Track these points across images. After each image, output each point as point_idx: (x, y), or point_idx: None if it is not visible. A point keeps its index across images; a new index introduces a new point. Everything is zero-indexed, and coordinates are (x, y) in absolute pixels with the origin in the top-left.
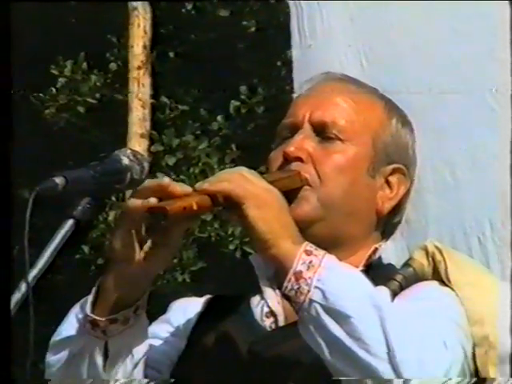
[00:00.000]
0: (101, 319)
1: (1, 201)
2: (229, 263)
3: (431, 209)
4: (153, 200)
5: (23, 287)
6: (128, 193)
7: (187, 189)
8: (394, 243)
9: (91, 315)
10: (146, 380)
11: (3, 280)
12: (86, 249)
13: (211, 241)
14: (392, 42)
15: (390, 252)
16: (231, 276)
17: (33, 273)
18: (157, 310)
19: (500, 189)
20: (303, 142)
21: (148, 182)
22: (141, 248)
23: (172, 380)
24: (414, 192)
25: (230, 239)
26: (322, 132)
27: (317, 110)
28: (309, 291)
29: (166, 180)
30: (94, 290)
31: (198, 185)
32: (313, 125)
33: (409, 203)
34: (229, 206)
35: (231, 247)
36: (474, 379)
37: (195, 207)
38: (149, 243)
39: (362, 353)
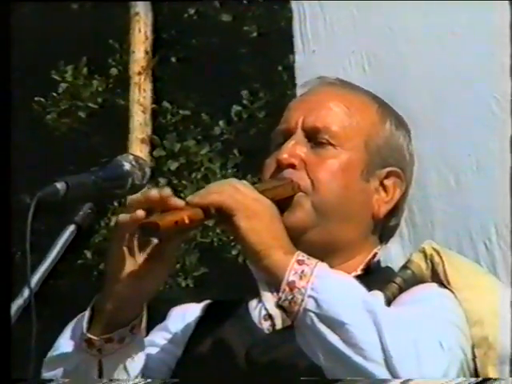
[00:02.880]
0: (96, 338)
1: (1, 206)
2: (231, 268)
3: (437, 214)
4: (140, 212)
5: (25, 292)
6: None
7: (180, 203)
8: (401, 248)
9: (87, 334)
10: (147, 380)
11: (4, 286)
12: (88, 254)
13: (213, 246)
14: (394, 48)
15: (397, 257)
16: (234, 281)
17: (35, 278)
18: (160, 315)
19: (504, 193)
20: (295, 148)
21: (137, 196)
22: (135, 266)
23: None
24: (420, 197)
25: (232, 244)
26: (314, 138)
27: (309, 115)
28: (302, 300)
29: (155, 193)
30: (89, 308)
31: (189, 198)
32: (305, 130)
33: (415, 208)
34: (221, 218)
35: (233, 252)
36: (474, 379)
37: (187, 221)
38: (143, 260)
39: (358, 359)
